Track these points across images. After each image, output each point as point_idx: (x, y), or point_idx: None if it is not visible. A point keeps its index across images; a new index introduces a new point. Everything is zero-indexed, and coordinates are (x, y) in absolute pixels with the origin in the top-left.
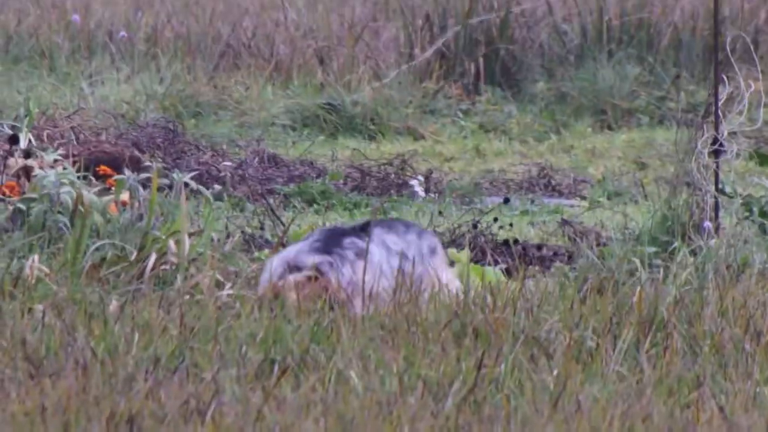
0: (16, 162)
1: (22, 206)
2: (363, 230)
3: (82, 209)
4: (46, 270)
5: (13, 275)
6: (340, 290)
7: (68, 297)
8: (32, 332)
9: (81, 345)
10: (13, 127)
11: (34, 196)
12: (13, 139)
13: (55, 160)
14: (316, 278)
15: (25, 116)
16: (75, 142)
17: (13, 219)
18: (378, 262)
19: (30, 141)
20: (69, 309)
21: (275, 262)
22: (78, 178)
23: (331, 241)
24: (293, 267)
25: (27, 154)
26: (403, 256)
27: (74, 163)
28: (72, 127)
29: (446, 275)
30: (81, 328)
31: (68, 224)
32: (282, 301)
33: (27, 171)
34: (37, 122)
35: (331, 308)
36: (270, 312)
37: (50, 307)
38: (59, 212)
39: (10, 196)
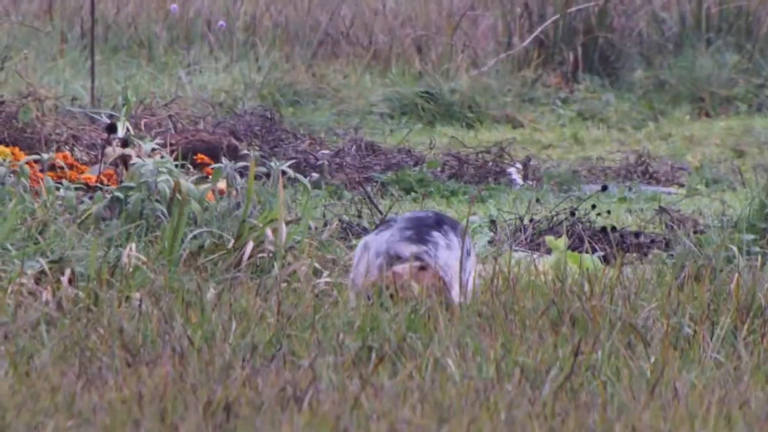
0: (114, 151)
1: (120, 195)
2: (438, 224)
3: (180, 198)
4: (144, 258)
5: (111, 264)
6: (444, 279)
7: (165, 285)
8: (129, 320)
9: (178, 333)
10: (111, 116)
11: (131, 184)
12: (111, 128)
13: (153, 149)
14: (424, 267)
15: (123, 105)
16: (173, 131)
17: (110, 207)
18: (457, 255)
19: (128, 130)
20: (166, 297)
21: (371, 252)
22: (176, 166)
23: (421, 232)
24: (393, 257)
25: (125, 142)
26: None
27: (172, 151)
28: (170, 116)
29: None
30: (178, 316)
31: (166, 213)
32: (392, 290)
33: (125, 160)
34: (134, 111)
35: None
36: (367, 300)
37: (147, 295)
38: (157, 201)
39: (107, 185)
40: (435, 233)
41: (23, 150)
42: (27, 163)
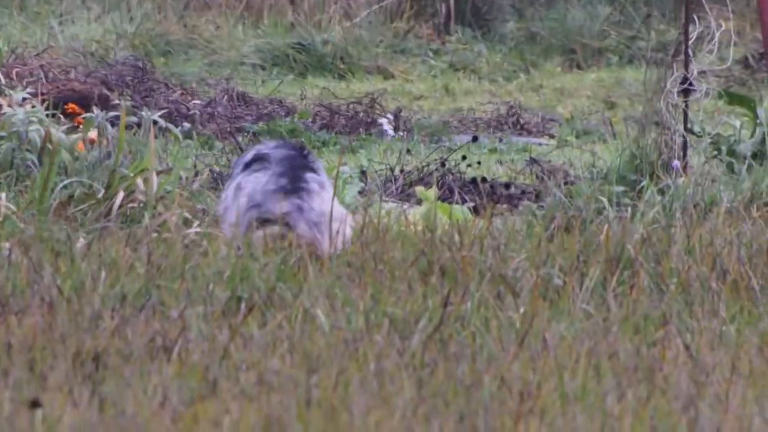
0: None
1: None
2: (305, 157)
3: (51, 147)
4: (13, 208)
5: None
6: (308, 239)
7: (35, 235)
8: None
9: (47, 283)
10: None
11: (2, 134)
12: None
13: (24, 99)
14: (284, 234)
15: None
16: (44, 81)
17: None
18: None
19: None
20: (36, 247)
21: (243, 200)
22: (47, 116)
23: (295, 177)
24: (262, 219)
25: None
26: (321, 186)
27: (43, 101)
28: (41, 66)
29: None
30: (47, 265)
31: (36, 162)
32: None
33: None
34: (6, 60)
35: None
36: (237, 250)
37: (17, 244)
38: (27, 150)
39: None
40: (308, 174)
41: None
42: None
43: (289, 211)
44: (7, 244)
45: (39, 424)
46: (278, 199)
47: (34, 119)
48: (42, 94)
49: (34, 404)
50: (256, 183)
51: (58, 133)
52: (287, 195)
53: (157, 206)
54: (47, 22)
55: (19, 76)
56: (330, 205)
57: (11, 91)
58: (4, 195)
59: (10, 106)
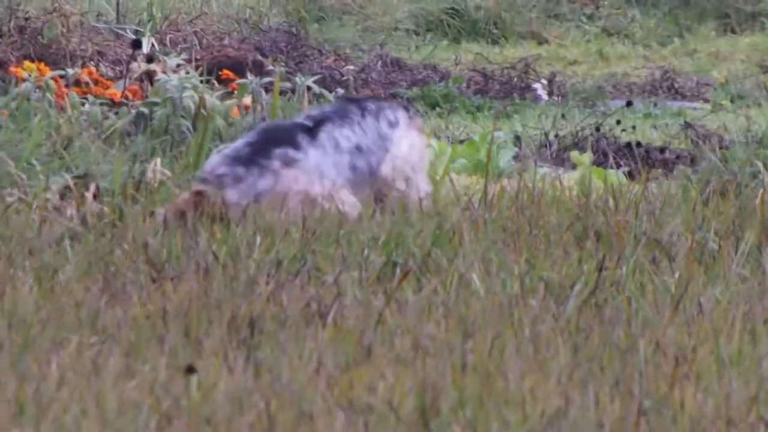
0: (139, 66)
1: (145, 110)
2: (311, 130)
3: (205, 113)
4: (168, 173)
5: (136, 179)
6: (221, 207)
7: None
8: (154, 236)
9: (203, 248)
10: (136, 32)
11: (156, 100)
12: (136, 44)
13: (178, 65)
14: (197, 196)
15: (149, 21)
16: (198, 47)
17: (135, 123)
18: (314, 165)
19: (153, 46)
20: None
21: (213, 160)
22: (201, 82)
23: (261, 149)
24: (203, 179)
25: (150, 58)
26: (358, 150)
27: (197, 67)
28: (195, 32)
29: (404, 146)
30: (203, 231)
31: (191, 128)
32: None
33: (150, 75)
34: (160, 27)
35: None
36: (391, 215)
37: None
38: (182, 116)
39: (132, 101)
40: (279, 150)
41: (48, 65)
42: (52, 78)
43: (224, 174)
44: (163, 210)
45: (194, 390)
46: (224, 163)
47: (189, 85)
48: (196, 60)
49: (190, 370)
50: (232, 146)
51: (212, 99)
52: (239, 163)
53: None
54: None
55: (173, 43)
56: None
57: (166, 58)
58: (159, 161)
59: (164, 72)
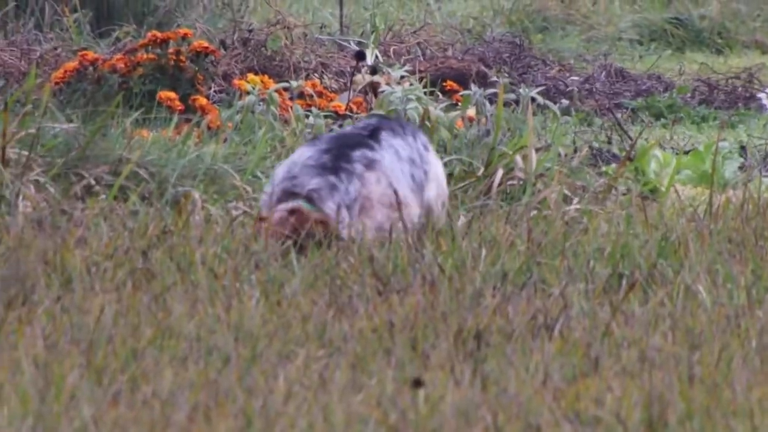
0: (363, 78)
1: None
2: (372, 137)
3: (429, 124)
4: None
5: None
6: (330, 220)
7: None
8: (380, 249)
9: (428, 261)
10: (359, 44)
11: (381, 112)
12: (360, 56)
13: (402, 76)
14: (294, 211)
15: (372, 32)
16: (421, 58)
17: None
18: (389, 170)
19: (377, 57)
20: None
21: (280, 175)
22: (424, 93)
23: (340, 154)
24: (290, 193)
25: (374, 70)
26: (412, 161)
27: (421, 78)
28: (418, 43)
29: (439, 170)
30: (428, 244)
31: None
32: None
33: (374, 87)
34: (383, 38)
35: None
36: (616, 227)
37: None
38: None
39: (356, 112)
40: (358, 153)
41: (272, 78)
42: (276, 91)
43: (319, 187)
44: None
45: (422, 403)
46: (312, 174)
47: (412, 97)
48: (419, 71)
49: (417, 383)
50: (297, 158)
51: (436, 110)
52: (322, 172)
53: (536, 183)
54: (424, 0)
55: (396, 54)
56: (379, 187)
57: (389, 69)
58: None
59: (388, 83)
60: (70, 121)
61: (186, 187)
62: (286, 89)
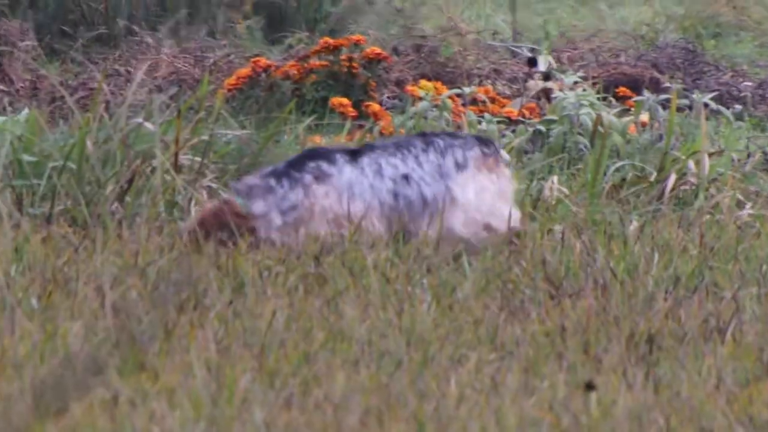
0: (536, 84)
1: (542, 128)
2: (354, 153)
3: (602, 130)
4: (566, 191)
5: (533, 196)
6: (240, 217)
7: (587, 217)
8: (552, 253)
9: (600, 265)
10: (532, 50)
11: (553, 117)
12: (532, 62)
13: (575, 82)
14: (222, 206)
15: (545, 39)
16: (594, 64)
17: (533, 140)
18: (347, 183)
19: (549, 63)
20: (588, 229)
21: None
22: (597, 99)
23: (297, 162)
24: (235, 189)
25: (546, 76)
26: (406, 179)
27: (594, 84)
28: (591, 49)
29: (470, 193)
30: (600, 248)
31: (588, 145)
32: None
33: (546, 93)
34: (556, 45)
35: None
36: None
37: (570, 227)
38: (579, 133)
39: (529, 118)
40: (313, 164)
41: (445, 84)
42: (449, 97)
43: (255, 186)
44: (560, 227)
45: (594, 407)
46: (261, 176)
47: (585, 103)
48: (592, 77)
49: (589, 386)
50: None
51: (609, 116)
52: (273, 176)
53: (709, 188)
54: (596, 6)
55: (569, 60)
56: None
57: (562, 75)
58: (556, 178)
59: (560, 89)
60: (243, 127)
61: None
62: (458, 95)
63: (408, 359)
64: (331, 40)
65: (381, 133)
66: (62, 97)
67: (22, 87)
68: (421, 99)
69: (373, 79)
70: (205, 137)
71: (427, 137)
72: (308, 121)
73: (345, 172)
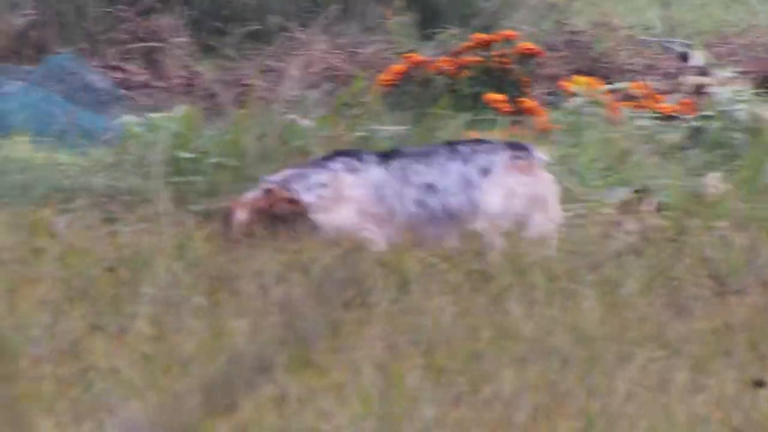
0: (689, 79)
1: (699, 124)
2: (385, 156)
3: (757, 126)
4: (726, 187)
5: (694, 192)
6: (293, 201)
7: (749, 214)
8: (715, 249)
9: (763, 262)
10: (685, 45)
11: (710, 113)
12: (685, 57)
13: (731, 78)
14: (268, 192)
15: (697, 34)
16: (747, 59)
17: (690, 137)
18: (375, 182)
19: (704, 58)
20: (751, 226)
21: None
22: (753, 94)
23: (328, 156)
24: (271, 180)
25: (701, 71)
26: (430, 188)
27: (752, 80)
28: (743, 44)
29: (495, 198)
30: (764, 245)
31: (744, 141)
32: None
33: (699, 89)
34: (708, 40)
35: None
36: None
37: (733, 224)
38: (735, 129)
39: (684, 114)
40: (345, 158)
41: (598, 79)
42: (604, 92)
43: (289, 176)
44: (722, 224)
45: (764, 404)
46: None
47: (741, 98)
48: (747, 73)
49: (759, 384)
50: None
51: (764, 111)
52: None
53: None
54: (748, 1)
55: (721, 55)
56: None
57: (718, 70)
58: (718, 174)
59: (716, 85)
60: (398, 123)
61: None
62: (613, 91)
63: (575, 356)
64: (483, 36)
65: (538, 129)
66: (215, 93)
67: (176, 83)
68: (574, 94)
69: (525, 74)
70: (362, 133)
71: (453, 146)
72: (463, 116)
73: (373, 172)
